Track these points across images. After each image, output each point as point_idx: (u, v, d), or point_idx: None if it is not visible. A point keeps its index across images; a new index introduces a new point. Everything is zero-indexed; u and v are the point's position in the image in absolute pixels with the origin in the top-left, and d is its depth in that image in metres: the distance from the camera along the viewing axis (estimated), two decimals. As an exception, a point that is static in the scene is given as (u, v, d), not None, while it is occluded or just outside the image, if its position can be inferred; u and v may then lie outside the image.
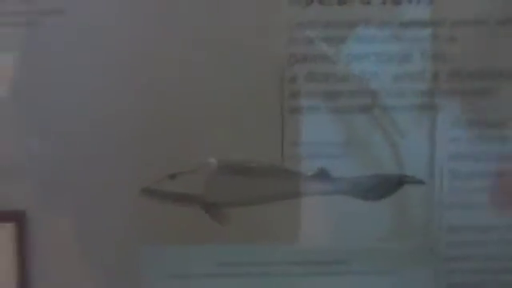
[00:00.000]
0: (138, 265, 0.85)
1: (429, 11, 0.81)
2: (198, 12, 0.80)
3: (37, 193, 0.84)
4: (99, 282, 0.86)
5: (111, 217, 0.84)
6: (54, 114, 0.82)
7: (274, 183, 0.83)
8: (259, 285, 0.84)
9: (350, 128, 0.83)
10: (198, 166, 0.82)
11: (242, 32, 0.80)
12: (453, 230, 0.84)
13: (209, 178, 0.82)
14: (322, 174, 0.83)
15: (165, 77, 0.80)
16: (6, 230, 0.83)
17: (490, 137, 0.83)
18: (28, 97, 0.82)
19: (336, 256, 0.81)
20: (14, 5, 0.80)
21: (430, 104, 0.82)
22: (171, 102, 0.81)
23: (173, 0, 0.80)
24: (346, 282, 0.84)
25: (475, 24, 0.81)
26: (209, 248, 0.83)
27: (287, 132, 0.82)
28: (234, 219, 0.83)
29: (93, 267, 0.85)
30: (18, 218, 0.83)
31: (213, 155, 0.82)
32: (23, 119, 0.82)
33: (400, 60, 0.81)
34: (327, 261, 0.80)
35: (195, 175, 0.82)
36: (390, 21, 0.81)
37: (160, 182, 0.82)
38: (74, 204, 0.84)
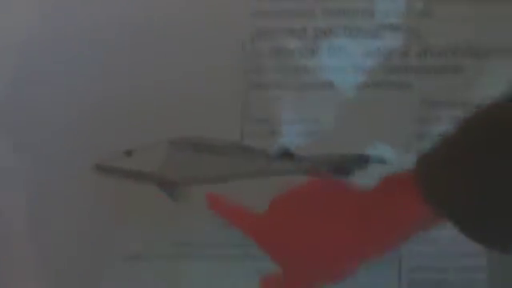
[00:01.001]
0: (94, 245, 0.81)
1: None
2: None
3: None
4: (54, 262, 0.83)
5: (65, 195, 0.80)
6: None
7: (235, 162, 0.77)
8: (215, 266, 0.80)
9: (314, 105, 0.80)
10: (155, 142, 0.77)
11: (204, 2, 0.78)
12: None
13: (166, 154, 0.77)
14: (285, 153, 0.77)
15: (126, 51, 0.78)
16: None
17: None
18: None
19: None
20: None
21: (400, 82, 0.80)
22: (130, 77, 0.79)
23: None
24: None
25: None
26: (164, 228, 0.79)
27: (249, 108, 0.79)
28: (192, 198, 0.77)
29: (48, 248, 0.82)
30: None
31: (171, 131, 0.77)
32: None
33: (370, 35, 0.78)
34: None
35: (152, 152, 0.77)
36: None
37: (115, 158, 0.77)
38: (28, 183, 0.81)
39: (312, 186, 0.63)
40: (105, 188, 0.79)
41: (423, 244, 0.79)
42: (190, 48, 0.78)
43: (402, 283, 0.82)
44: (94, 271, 0.81)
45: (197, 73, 0.78)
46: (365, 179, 0.74)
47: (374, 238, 0.57)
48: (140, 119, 0.79)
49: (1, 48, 0.78)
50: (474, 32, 0.78)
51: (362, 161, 0.75)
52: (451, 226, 0.53)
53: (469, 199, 0.52)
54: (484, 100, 0.53)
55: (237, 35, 0.77)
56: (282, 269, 0.61)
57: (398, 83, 0.79)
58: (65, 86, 0.79)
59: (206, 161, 0.77)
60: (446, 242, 0.80)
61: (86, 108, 0.79)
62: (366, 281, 0.73)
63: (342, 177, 0.75)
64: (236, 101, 0.78)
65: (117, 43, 0.78)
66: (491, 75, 0.78)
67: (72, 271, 0.81)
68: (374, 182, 0.59)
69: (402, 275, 0.81)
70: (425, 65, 0.79)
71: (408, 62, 0.79)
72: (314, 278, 0.60)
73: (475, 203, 0.52)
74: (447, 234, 0.73)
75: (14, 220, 0.81)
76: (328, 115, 0.80)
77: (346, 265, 0.59)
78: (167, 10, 0.77)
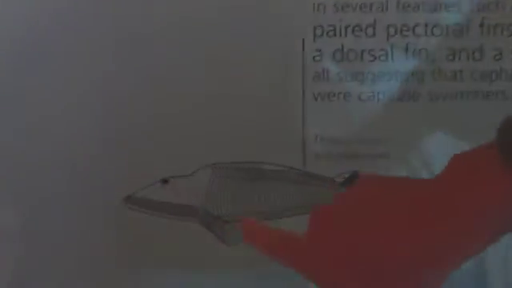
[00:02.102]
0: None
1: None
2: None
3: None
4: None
5: (92, 233, 0.69)
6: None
7: (294, 191, 0.67)
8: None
9: (388, 119, 0.68)
10: (198, 168, 0.67)
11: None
12: None
13: (212, 183, 0.67)
14: (355, 179, 0.64)
15: (174, 59, 0.67)
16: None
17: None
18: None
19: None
20: None
21: (492, 90, 0.67)
22: (176, 88, 0.67)
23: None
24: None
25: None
26: (211, 274, 0.68)
27: (310, 124, 0.67)
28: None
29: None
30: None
31: (218, 155, 0.67)
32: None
33: (455, 33, 0.66)
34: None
35: (195, 180, 0.67)
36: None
37: (149, 188, 0.67)
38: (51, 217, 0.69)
39: (360, 189, 0.52)
40: (132, 225, 0.68)
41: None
42: (240, 51, 0.67)
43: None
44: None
45: (249, 80, 0.67)
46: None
47: (455, 236, 0.46)
48: (178, 138, 0.68)
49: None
50: None
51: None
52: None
53: None
54: None
55: (296, 34, 0.66)
56: None
57: (490, 91, 0.67)
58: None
59: (260, 191, 0.67)
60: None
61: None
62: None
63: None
64: (295, 114, 0.67)
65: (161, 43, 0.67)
66: None
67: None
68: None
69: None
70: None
71: (501, 65, 0.66)
72: None
73: None
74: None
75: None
76: (405, 131, 0.68)
77: (424, 281, 0.47)
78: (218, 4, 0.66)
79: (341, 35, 0.66)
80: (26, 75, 0.67)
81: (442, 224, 0.46)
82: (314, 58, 0.67)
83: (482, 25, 0.66)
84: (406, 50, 0.67)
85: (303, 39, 0.66)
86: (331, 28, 0.66)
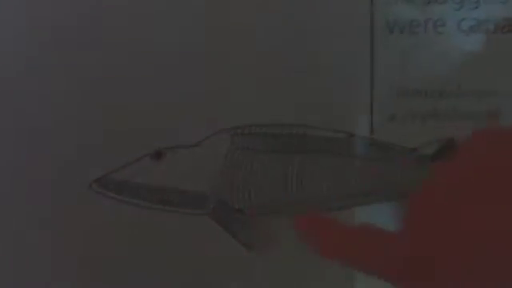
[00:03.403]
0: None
1: None
2: None
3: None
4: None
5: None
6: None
7: (355, 170, 0.52)
8: None
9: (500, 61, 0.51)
10: (210, 135, 0.50)
11: None
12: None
13: (230, 158, 0.51)
14: (446, 149, 0.52)
15: None
16: None
17: None
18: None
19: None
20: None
21: None
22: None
23: None
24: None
25: None
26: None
27: (381, 69, 0.51)
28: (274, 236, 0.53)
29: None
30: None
31: (241, 117, 0.51)
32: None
33: None
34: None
35: (204, 153, 0.51)
36: None
37: (132, 165, 0.50)
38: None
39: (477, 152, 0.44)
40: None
41: None
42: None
43: None
44: None
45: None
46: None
47: None
48: (179, 89, 0.50)
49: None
50: None
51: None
52: None
53: None
54: None
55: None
56: None
57: None
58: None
59: (302, 170, 0.52)
60: None
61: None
62: None
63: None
64: (360, 53, 0.50)
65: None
66: None
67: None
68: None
69: None
70: None
71: None
72: None
73: None
74: None
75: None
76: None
77: None
78: None
79: None
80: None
81: None
82: (387, -33, 0.50)
83: None
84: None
85: None
86: None
